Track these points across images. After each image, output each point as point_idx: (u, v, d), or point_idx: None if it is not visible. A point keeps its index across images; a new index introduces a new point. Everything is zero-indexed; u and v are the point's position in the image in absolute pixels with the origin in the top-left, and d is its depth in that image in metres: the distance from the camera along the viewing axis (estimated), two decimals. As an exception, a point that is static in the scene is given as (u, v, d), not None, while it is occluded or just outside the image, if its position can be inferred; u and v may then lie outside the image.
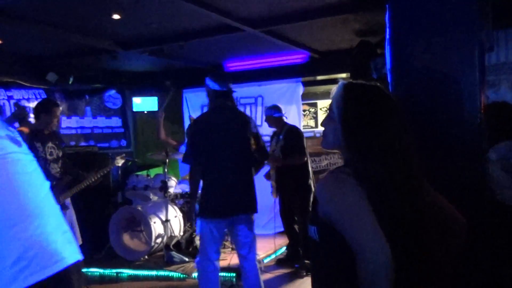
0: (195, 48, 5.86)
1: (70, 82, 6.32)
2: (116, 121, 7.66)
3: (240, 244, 3.68)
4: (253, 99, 7.32)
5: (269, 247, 5.88)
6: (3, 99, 6.07)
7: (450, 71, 2.10)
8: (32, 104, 6.33)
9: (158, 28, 4.94)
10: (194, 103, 7.72)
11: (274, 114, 5.32)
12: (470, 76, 2.08)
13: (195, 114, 7.67)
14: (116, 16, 4.41)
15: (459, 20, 2.06)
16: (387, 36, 2.25)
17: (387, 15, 2.25)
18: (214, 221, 3.53)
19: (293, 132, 5.25)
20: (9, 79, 5.96)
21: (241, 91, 7.36)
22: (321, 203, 1.29)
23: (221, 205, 3.53)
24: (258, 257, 5.54)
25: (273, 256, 5.85)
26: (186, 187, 6.26)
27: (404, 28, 2.17)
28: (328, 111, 1.47)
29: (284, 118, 5.42)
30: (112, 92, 7.50)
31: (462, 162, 2.02)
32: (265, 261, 5.75)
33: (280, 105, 5.51)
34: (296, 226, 5.38)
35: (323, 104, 8.45)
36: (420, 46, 2.13)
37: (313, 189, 5.15)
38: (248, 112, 7.37)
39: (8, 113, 5.98)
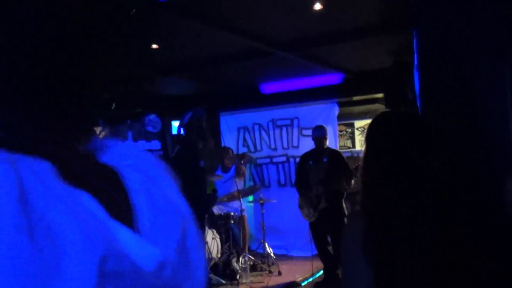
0: (231, 72, 6.00)
1: (112, 108, 6.58)
2: (156, 145, 7.88)
3: None
4: (289, 121, 7.38)
5: (307, 270, 5.83)
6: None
7: (480, 95, 2.08)
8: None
9: (194, 55, 5.10)
10: (231, 126, 7.87)
11: (326, 135, 5.30)
12: (501, 100, 2.05)
13: (232, 136, 7.83)
14: (154, 46, 4.61)
15: (488, 44, 2.05)
16: (415, 62, 2.27)
17: (414, 41, 2.26)
18: None
19: (340, 157, 5.18)
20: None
21: (277, 113, 7.45)
22: None
23: None
24: (296, 280, 5.53)
25: (310, 280, 5.78)
26: (223, 209, 6.33)
27: (432, 54, 2.17)
28: None
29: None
30: (152, 116, 7.74)
31: (495, 187, 1.98)
32: (303, 284, 5.70)
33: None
34: (330, 248, 5.26)
35: (360, 124, 8.38)
36: (448, 71, 2.12)
37: (346, 211, 5.07)
38: (284, 133, 7.44)
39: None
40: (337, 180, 4.98)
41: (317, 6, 3.68)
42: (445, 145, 2.02)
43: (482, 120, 2.08)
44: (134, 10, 3.24)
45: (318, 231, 5.26)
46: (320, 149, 5.28)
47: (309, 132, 7.14)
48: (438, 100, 2.20)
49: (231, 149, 6.86)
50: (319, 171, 5.15)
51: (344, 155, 5.64)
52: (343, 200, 5.10)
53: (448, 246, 1.23)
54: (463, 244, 1.24)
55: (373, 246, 1.25)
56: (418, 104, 2.27)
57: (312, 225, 5.29)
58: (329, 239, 5.25)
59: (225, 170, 6.66)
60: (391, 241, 1.24)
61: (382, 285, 1.22)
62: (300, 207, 5.29)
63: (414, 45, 2.25)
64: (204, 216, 4.36)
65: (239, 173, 6.34)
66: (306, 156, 5.45)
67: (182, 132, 4.31)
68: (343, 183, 4.98)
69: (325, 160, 5.15)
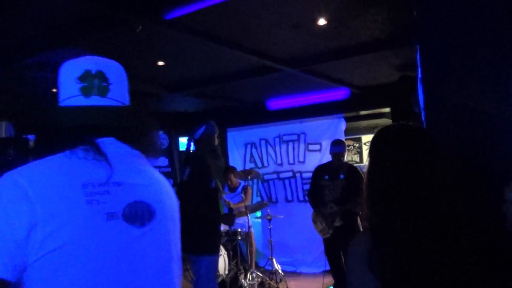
0: (237, 88, 6.03)
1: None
2: (163, 161, 7.90)
3: None
4: (296, 136, 7.37)
5: (317, 287, 5.76)
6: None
7: (485, 108, 2.06)
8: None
9: (199, 72, 5.14)
10: (238, 142, 7.88)
11: (345, 151, 5.16)
12: (508, 114, 2.03)
13: (239, 152, 7.83)
14: (161, 63, 4.65)
15: (492, 57, 2.03)
16: (419, 76, 2.25)
17: (417, 55, 2.25)
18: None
19: (357, 174, 4.96)
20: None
21: (284, 128, 7.46)
22: None
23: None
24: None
25: (320, 296, 5.71)
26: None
27: (435, 67, 2.16)
28: None
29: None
30: (159, 133, 7.79)
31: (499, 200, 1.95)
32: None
33: (323, 141, 5.44)
34: (342, 265, 5.18)
35: (367, 139, 8.36)
36: (452, 85, 2.11)
37: (361, 228, 4.99)
38: (291, 149, 7.43)
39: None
40: (353, 199, 4.86)
41: (321, 22, 3.70)
42: (450, 158, 2.00)
43: (488, 133, 2.06)
44: (140, 27, 3.28)
45: (331, 248, 5.14)
46: (337, 164, 5.12)
47: (316, 147, 7.15)
48: (442, 113, 2.18)
49: (235, 168, 6.84)
50: (335, 189, 5.01)
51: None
52: (358, 218, 5.01)
53: (454, 261, 1.21)
54: (468, 258, 1.22)
55: (379, 262, 1.23)
56: (422, 118, 2.25)
57: (326, 241, 5.20)
58: (342, 255, 5.17)
59: (232, 189, 6.65)
60: (397, 257, 1.22)
61: None
62: (314, 222, 5.18)
63: (418, 59, 2.23)
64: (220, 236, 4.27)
65: (245, 193, 6.37)
66: (321, 169, 5.28)
67: (192, 147, 4.23)
68: (359, 201, 4.86)
69: (341, 177, 5.00)
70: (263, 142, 7.65)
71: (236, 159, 7.82)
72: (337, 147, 5.13)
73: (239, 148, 7.87)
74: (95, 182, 1.06)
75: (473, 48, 2.06)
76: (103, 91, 1.17)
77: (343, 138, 7.11)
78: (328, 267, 5.28)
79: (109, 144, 1.15)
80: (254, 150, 7.73)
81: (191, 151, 4.19)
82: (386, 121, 6.87)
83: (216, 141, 4.12)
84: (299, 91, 6.64)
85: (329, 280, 5.59)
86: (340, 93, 6.56)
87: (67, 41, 3.77)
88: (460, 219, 1.27)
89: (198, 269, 3.81)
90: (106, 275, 1.03)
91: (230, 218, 4.47)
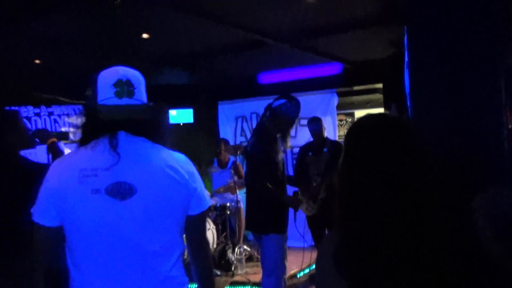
0: (227, 62, 5.89)
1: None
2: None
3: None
4: (287, 111, 7.27)
5: (303, 261, 5.78)
6: (44, 115, 6.34)
7: (472, 93, 1.98)
8: (72, 119, 6.56)
9: (187, 46, 5.00)
10: (229, 115, 7.78)
11: (322, 127, 5.17)
12: (495, 99, 1.95)
13: (230, 126, 7.74)
14: (145, 36, 4.50)
15: (482, 42, 1.94)
16: (406, 59, 2.16)
17: (405, 38, 2.16)
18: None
19: (340, 148, 5.02)
20: (49, 96, 6.21)
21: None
22: None
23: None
24: (291, 272, 5.43)
25: (306, 271, 5.74)
26: (219, 200, 6.29)
27: (423, 51, 2.07)
28: None
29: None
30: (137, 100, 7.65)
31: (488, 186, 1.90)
32: (299, 276, 5.66)
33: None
34: None
35: (360, 114, 8.27)
36: (440, 69, 2.02)
37: None
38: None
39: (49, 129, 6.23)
40: (337, 172, 4.85)
41: (312, -4, 3.57)
42: (434, 146, 1.92)
43: (475, 119, 1.99)
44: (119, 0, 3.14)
45: (315, 224, 5.16)
46: (319, 141, 5.17)
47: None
48: (429, 98, 2.10)
49: (227, 141, 6.78)
50: (319, 162, 5.05)
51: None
52: None
53: (427, 266, 1.14)
54: (443, 262, 1.15)
55: (346, 263, 1.17)
56: (408, 102, 2.17)
57: (309, 219, 5.21)
58: (326, 232, 5.16)
59: (222, 164, 6.61)
60: (364, 259, 1.15)
61: None
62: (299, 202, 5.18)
63: (405, 42, 2.14)
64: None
65: (235, 170, 6.31)
66: (305, 148, 5.33)
67: (267, 114, 3.75)
68: None
69: (325, 150, 5.04)
70: (254, 116, 7.54)
71: (227, 132, 7.74)
72: (312, 125, 5.19)
73: (230, 121, 7.77)
74: (88, 168, 1.50)
75: (462, 32, 1.96)
76: (131, 94, 1.59)
77: (335, 114, 7.03)
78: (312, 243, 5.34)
79: (124, 135, 1.57)
80: (245, 124, 7.63)
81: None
82: (379, 97, 6.78)
83: (291, 126, 3.83)
84: (291, 66, 6.51)
85: (315, 254, 5.59)
86: (332, 68, 6.43)
87: (49, 11, 3.64)
88: (436, 220, 1.19)
89: (265, 248, 3.67)
90: (90, 235, 1.48)
91: (295, 201, 4.10)
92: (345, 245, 1.18)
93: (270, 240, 3.59)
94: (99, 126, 1.57)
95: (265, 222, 3.61)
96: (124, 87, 1.60)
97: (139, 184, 1.52)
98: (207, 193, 1.74)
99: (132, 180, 1.52)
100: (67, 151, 4.54)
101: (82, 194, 1.48)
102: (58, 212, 1.50)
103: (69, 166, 1.53)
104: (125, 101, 1.58)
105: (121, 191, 1.49)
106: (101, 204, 1.48)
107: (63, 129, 6.18)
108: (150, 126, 1.62)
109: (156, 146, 1.62)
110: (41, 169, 1.77)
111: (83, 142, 1.60)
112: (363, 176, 1.20)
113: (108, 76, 1.62)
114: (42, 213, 1.51)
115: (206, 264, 1.78)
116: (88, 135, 1.59)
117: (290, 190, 4.37)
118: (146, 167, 1.56)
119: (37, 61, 5.44)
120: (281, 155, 3.83)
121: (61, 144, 3.53)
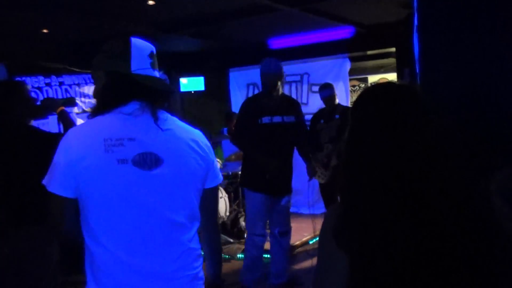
0: (236, 28, 5.77)
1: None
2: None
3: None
4: (299, 77, 7.17)
5: (315, 228, 5.81)
6: (55, 85, 6.34)
7: (485, 63, 1.88)
8: (83, 89, 6.56)
9: (194, 11, 4.89)
10: (240, 82, 7.69)
11: (334, 93, 5.14)
12: (508, 67, 1.85)
13: (241, 93, 7.67)
14: (151, 2, 4.42)
15: (497, 5, 1.83)
16: (415, 23, 2.06)
17: (415, 1, 2.05)
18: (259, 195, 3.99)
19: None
20: (59, 66, 6.20)
21: (286, 69, 7.17)
22: None
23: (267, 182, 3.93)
24: (303, 239, 5.49)
25: (318, 238, 5.77)
26: (230, 168, 6.29)
27: (433, 15, 1.96)
28: None
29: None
30: (160, 73, 7.60)
31: (501, 161, 1.82)
32: (311, 242, 5.71)
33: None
34: None
35: (374, 79, 8.12)
36: (451, 34, 1.92)
37: None
38: (293, 90, 7.23)
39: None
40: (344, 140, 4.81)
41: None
42: (442, 128, 1.83)
43: (489, 91, 1.90)
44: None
45: (328, 191, 5.16)
46: (330, 108, 5.12)
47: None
48: (438, 65, 2.01)
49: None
50: (331, 129, 5.02)
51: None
52: None
53: (431, 245, 1.10)
54: (448, 243, 1.10)
55: (348, 237, 1.14)
56: (416, 70, 2.08)
57: (322, 186, 5.21)
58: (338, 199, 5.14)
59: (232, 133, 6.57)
60: (367, 234, 1.12)
61: (357, 276, 1.12)
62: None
63: (414, 5, 2.03)
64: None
65: None
66: (317, 116, 5.30)
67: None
68: None
69: (336, 117, 5.00)
70: (265, 83, 7.44)
71: (238, 100, 7.67)
72: (324, 92, 5.17)
73: (241, 89, 7.70)
74: (112, 137, 1.46)
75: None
76: (157, 67, 1.64)
77: (347, 79, 6.90)
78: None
79: (145, 105, 1.55)
80: (256, 91, 7.55)
81: None
82: (393, 61, 6.61)
83: (275, 84, 3.98)
84: (302, 30, 6.34)
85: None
86: (344, 32, 6.25)
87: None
88: (445, 199, 1.13)
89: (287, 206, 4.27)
90: (114, 206, 1.45)
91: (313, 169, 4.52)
92: (347, 215, 1.15)
93: (288, 199, 4.27)
94: (129, 95, 1.54)
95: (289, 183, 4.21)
96: (155, 59, 1.63)
97: (165, 155, 1.52)
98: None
99: (158, 151, 1.51)
100: (79, 121, 4.55)
101: (108, 164, 1.44)
102: (78, 183, 1.45)
103: (91, 135, 1.48)
104: (156, 73, 1.63)
105: (147, 161, 1.49)
106: (128, 174, 1.46)
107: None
108: (169, 98, 1.70)
109: (174, 118, 1.64)
110: (53, 139, 1.78)
111: (100, 110, 1.55)
112: (371, 144, 1.15)
113: (143, 47, 1.62)
114: (60, 183, 1.46)
115: (215, 229, 1.85)
116: (109, 103, 1.54)
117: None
118: (171, 138, 1.56)
119: (45, 31, 5.39)
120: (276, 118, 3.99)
121: (73, 114, 3.53)
